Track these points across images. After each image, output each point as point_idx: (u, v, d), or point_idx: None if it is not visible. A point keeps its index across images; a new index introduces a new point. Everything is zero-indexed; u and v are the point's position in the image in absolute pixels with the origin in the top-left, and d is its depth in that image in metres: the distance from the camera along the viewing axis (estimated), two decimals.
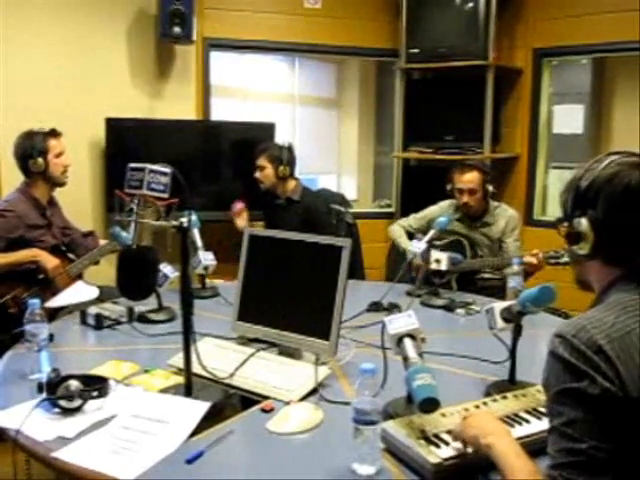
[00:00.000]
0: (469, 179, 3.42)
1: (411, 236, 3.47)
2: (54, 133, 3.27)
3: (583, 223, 1.26)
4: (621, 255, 1.24)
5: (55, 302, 2.74)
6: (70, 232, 3.41)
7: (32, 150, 3.17)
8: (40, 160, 3.17)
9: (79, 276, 3.20)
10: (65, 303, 2.77)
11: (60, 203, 3.44)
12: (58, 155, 3.25)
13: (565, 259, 2.85)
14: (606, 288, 1.26)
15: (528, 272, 3.04)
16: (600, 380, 1.08)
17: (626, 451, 1.07)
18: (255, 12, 4.66)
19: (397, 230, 3.66)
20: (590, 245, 1.26)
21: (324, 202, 3.97)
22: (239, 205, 3.91)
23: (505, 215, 3.52)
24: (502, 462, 1.26)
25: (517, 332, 1.86)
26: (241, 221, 3.91)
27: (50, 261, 3.10)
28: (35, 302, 1.96)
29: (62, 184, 3.32)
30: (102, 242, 3.36)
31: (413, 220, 3.70)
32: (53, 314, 2.74)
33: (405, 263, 3.07)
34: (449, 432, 1.47)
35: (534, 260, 3.03)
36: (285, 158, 3.89)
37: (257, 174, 3.92)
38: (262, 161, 3.90)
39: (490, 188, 3.46)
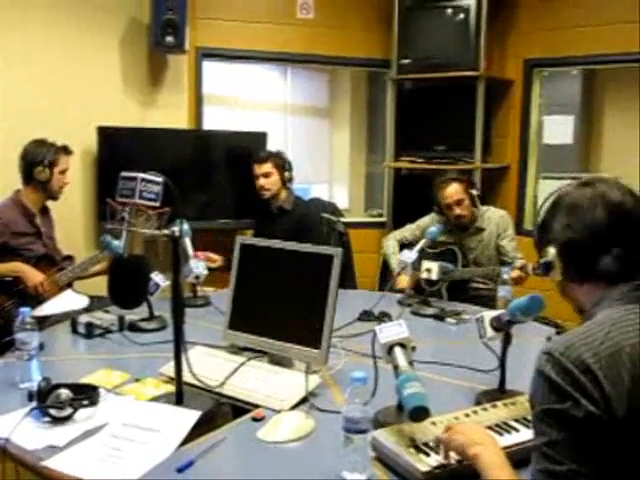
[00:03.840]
0: (451, 192, 3.43)
1: (407, 247, 3.48)
2: (66, 150, 3.32)
3: (550, 252, 1.32)
4: (590, 271, 1.27)
5: (42, 311, 2.73)
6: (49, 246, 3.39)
7: (42, 159, 3.20)
8: (46, 171, 3.20)
9: (69, 285, 3.19)
10: (52, 312, 2.75)
11: (53, 214, 3.44)
12: (63, 171, 3.30)
13: None
14: (593, 306, 1.27)
15: (517, 282, 3.05)
16: (584, 402, 1.07)
17: (606, 476, 1.07)
18: (248, 22, 4.68)
19: (390, 246, 3.67)
20: (560, 271, 1.31)
21: (316, 211, 3.99)
22: (200, 255, 3.24)
23: (495, 217, 3.54)
24: (486, 473, 1.27)
25: (507, 341, 1.87)
26: (212, 262, 3.50)
27: (32, 278, 3.07)
28: (26, 310, 1.95)
29: (56, 198, 3.35)
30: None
31: (408, 232, 3.72)
32: (39, 323, 2.72)
33: (388, 285, 3.11)
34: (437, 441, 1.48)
35: (523, 274, 3.04)
36: (288, 164, 3.90)
37: (262, 181, 3.83)
38: (268, 168, 3.83)
39: (474, 192, 3.47)
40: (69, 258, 3.38)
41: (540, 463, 1.11)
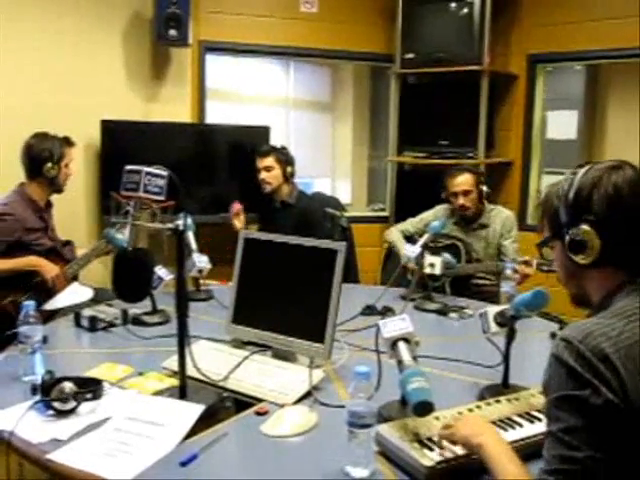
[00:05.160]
0: (461, 181, 3.45)
1: (408, 240, 3.48)
2: (69, 142, 3.30)
3: (585, 229, 1.23)
4: (625, 257, 1.23)
5: (53, 304, 2.75)
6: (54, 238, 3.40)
7: (50, 155, 3.18)
8: (56, 166, 3.19)
9: (74, 277, 3.20)
10: (63, 305, 2.77)
11: (54, 205, 3.44)
12: (67, 164, 3.28)
13: None
14: (608, 296, 1.24)
15: (520, 280, 3.03)
16: (603, 390, 1.06)
17: (622, 463, 1.07)
18: (251, 16, 4.67)
19: (395, 235, 3.66)
20: (596, 251, 1.23)
21: (319, 206, 3.98)
22: (237, 206, 3.83)
23: (501, 217, 3.54)
24: (493, 462, 1.27)
25: (510, 336, 1.87)
26: (239, 222, 3.84)
27: (50, 270, 3.09)
28: (29, 304, 1.95)
29: (61, 192, 3.34)
30: (79, 252, 3.37)
31: (410, 225, 3.71)
32: (50, 316, 2.74)
33: (399, 266, 3.08)
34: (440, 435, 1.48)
35: (529, 271, 3.01)
36: (290, 159, 3.91)
37: (263, 175, 3.85)
38: (269, 162, 3.85)
39: (484, 189, 3.48)
40: (68, 243, 3.38)
41: (556, 449, 1.11)
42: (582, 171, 1.28)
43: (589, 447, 1.07)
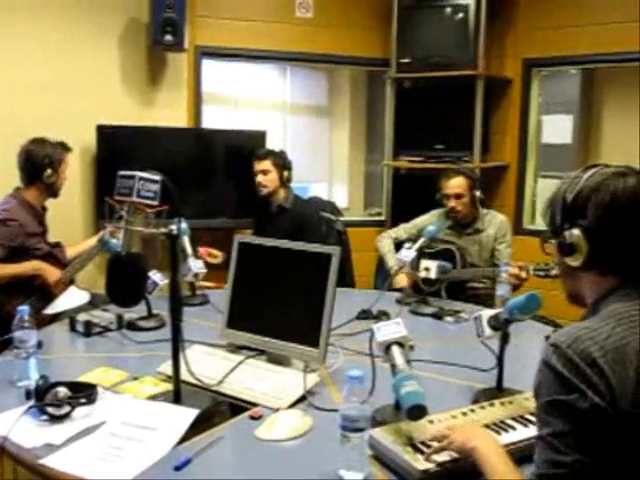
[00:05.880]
0: (455, 184, 3.46)
1: (400, 246, 3.48)
2: (67, 147, 3.30)
3: (575, 234, 1.25)
4: (615, 263, 1.24)
5: (54, 308, 2.75)
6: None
7: (51, 161, 3.19)
8: (56, 173, 3.20)
9: (71, 281, 3.20)
10: (64, 308, 2.78)
11: (50, 209, 3.44)
12: (64, 170, 3.28)
13: (555, 272, 2.84)
14: (600, 298, 1.25)
15: (515, 285, 3.02)
16: (590, 395, 1.07)
17: (610, 467, 1.08)
18: (247, 21, 4.68)
19: (386, 245, 3.66)
20: (584, 255, 1.24)
21: (315, 210, 3.99)
22: (202, 251, 3.47)
23: (495, 221, 3.54)
24: (486, 465, 1.28)
25: (504, 340, 1.87)
26: (214, 258, 3.56)
27: (52, 274, 3.10)
28: (24, 309, 1.95)
29: (57, 196, 3.34)
30: (69, 251, 3.40)
31: (403, 230, 3.72)
32: (52, 320, 2.75)
33: (387, 281, 3.11)
34: (437, 440, 1.47)
35: (523, 274, 3.01)
36: (288, 163, 3.91)
37: (259, 178, 3.84)
38: (266, 165, 3.84)
39: (478, 193, 3.48)
40: (57, 245, 3.37)
41: (545, 453, 1.12)
42: (588, 174, 1.27)
43: (577, 451, 1.08)
